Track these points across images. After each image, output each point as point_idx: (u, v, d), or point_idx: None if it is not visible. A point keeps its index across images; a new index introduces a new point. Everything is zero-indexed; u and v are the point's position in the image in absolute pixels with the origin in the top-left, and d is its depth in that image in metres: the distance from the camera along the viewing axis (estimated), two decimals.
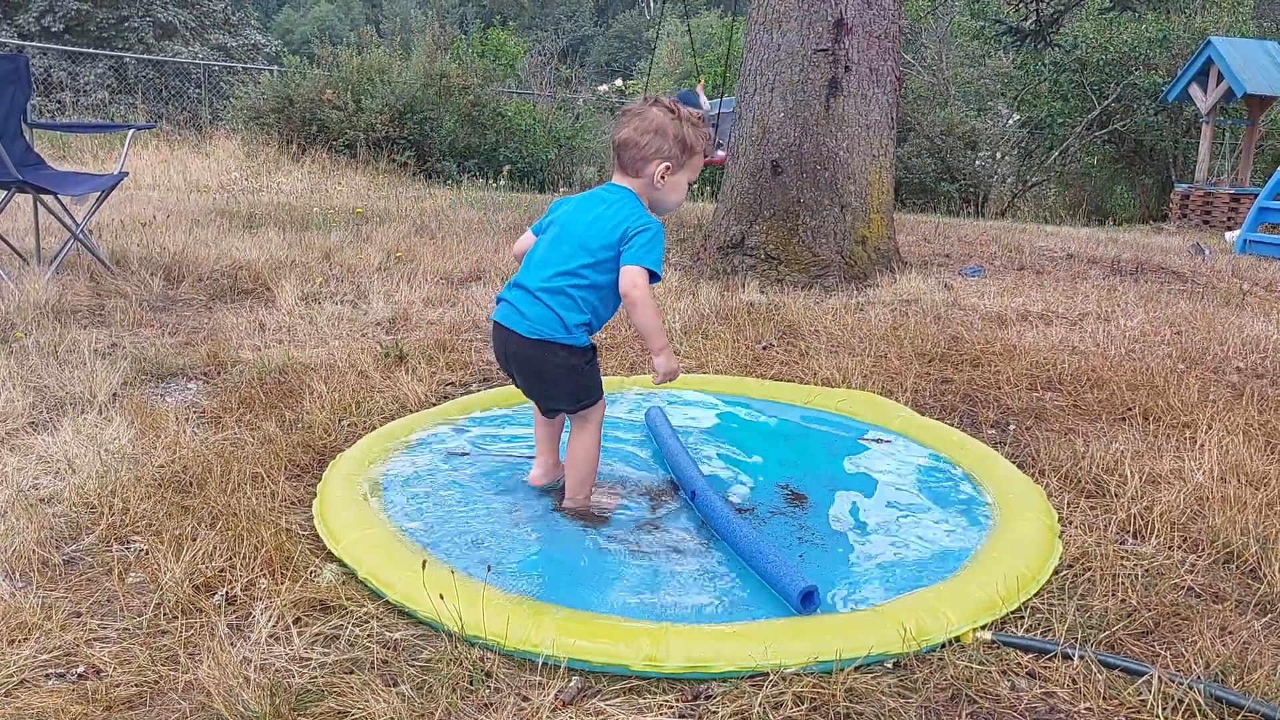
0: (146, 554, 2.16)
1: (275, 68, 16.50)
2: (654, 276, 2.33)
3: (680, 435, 2.92)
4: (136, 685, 1.71)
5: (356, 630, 1.90)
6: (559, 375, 2.40)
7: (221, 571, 2.09)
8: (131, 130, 5.73)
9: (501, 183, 12.96)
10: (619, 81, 22.13)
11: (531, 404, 2.56)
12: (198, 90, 19.51)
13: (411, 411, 3.23)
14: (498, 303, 2.46)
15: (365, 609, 1.97)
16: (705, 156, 2.51)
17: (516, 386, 2.54)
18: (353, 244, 6.62)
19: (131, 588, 2.04)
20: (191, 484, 2.53)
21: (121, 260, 5.55)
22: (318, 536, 2.29)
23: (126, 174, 5.69)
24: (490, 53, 16.88)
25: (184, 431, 2.90)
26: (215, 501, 2.39)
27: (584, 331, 2.39)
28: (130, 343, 4.01)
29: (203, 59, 22.84)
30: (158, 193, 9.74)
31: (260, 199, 9.36)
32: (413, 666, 1.79)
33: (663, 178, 2.41)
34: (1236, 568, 2.26)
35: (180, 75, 21.05)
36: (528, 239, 2.54)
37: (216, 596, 2.00)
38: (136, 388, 3.39)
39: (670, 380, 2.44)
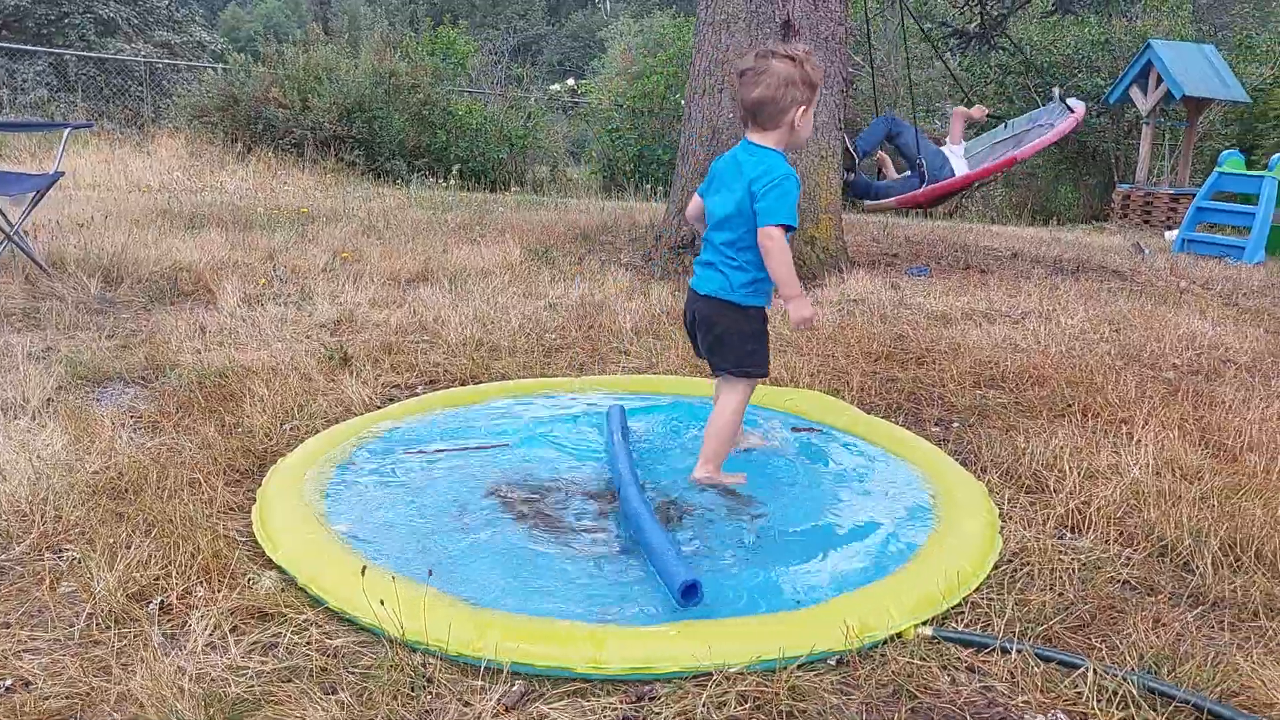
0: (79, 562, 2.11)
1: (220, 66, 16.23)
2: (788, 228, 2.54)
3: (628, 433, 2.92)
4: (67, 697, 1.67)
5: (295, 638, 1.87)
6: (729, 333, 2.67)
7: (157, 580, 2.04)
8: (68, 129, 5.60)
9: (452, 182, 12.87)
10: (571, 81, 22.04)
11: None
12: (140, 88, 19.13)
13: (356, 415, 3.19)
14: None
15: (305, 616, 1.94)
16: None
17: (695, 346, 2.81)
18: (298, 244, 6.53)
19: (63, 597, 2.00)
20: (127, 490, 2.48)
21: (58, 262, 5.42)
22: (257, 543, 2.25)
23: (63, 173, 5.56)
24: (440, 51, 16.73)
25: (120, 437, 2.84)
26: (151, 508, 2.34)
27: (751, 292, 2.64)
28: (65, 346, 3.92)
29: (145, 56, 22.38)
30: (97, 193, 9.53)
31: (203, 199, 9.20)
32: (352, 674, 1.77)
33: (800, 119, 2.59)
34: (1170, 561, 2.31)
35: (122, 73, 20.62)
36: (696, 202, 2.78)
37: (151, 605, 1.96)
38: (71, 392, 3.31)
39: (805, 327, 2.64)
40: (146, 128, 15.05)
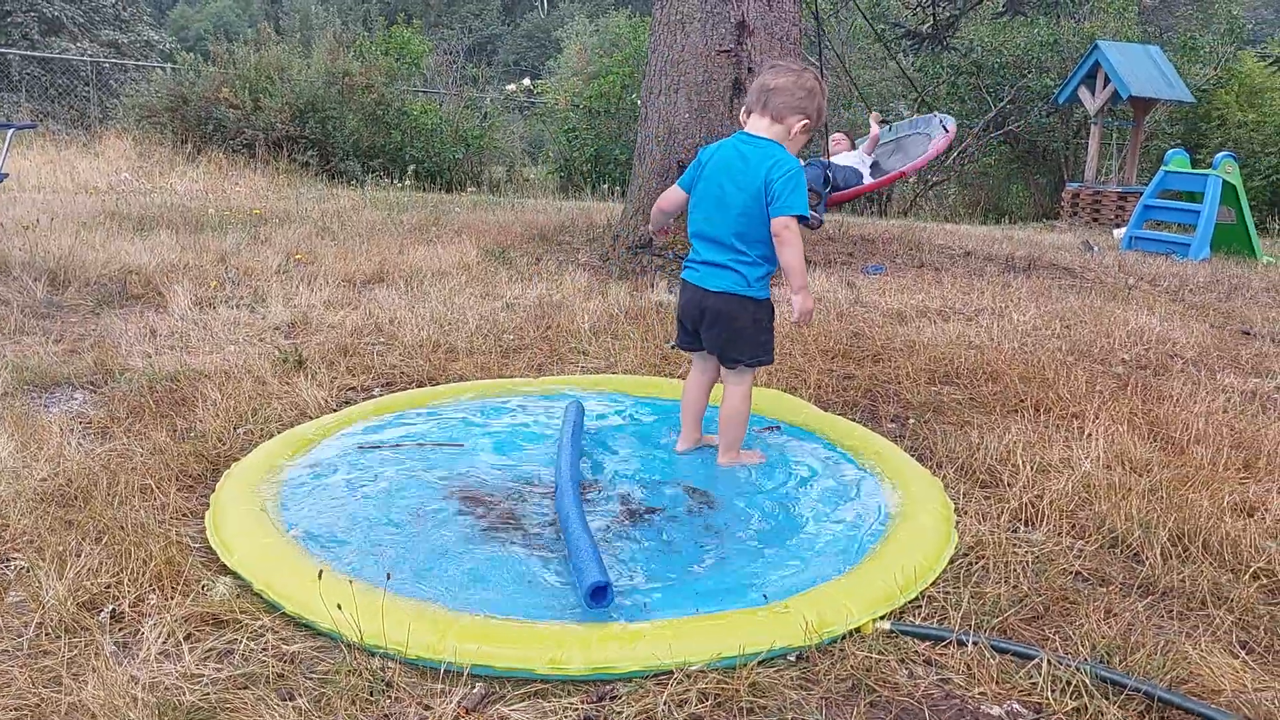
0: (28, 572, 2.06)
1: (169, 65, 15.96)
2: (801, 219, 2.61)
3: (580, 431, 2.92)
4: (15, 710, 1.64)
5: (251, 644, 1.84)
6: (747, 329, 2.73)
7: (108, 588, 2.01)
8: (11, 130, 5.48)
9: (407, 183, 12.77)
10: (527, 81, 21.96)
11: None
12: (86, 88, 18.79)
13: (311, 418, 3.15)
14: (685, 269, 2.81)
15: (261, 622, 1.91)
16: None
17: (696, 340, 2.84)
18: (250, 246, 6.44)
19: (11, 607, 1.95)
20: (76, 497, 2.43)
21: (2, 265, 5.30)
22: (211, 549, 2.22)
23: (6, 175, 5.45)
24: (394, 51, 16.59)
25: (68, 443, 2.78)
26: (101, 515, 2.30)
27: (764, 285, 2.73)
28: (11, 352, 3.83)
29: (91, 56, 21.96)
30: (43, 194, 9.33)
31: (153, 200, 9.05)
32: (310, 679, 1.75)
33: (798, 133, 2.68)
34: (1121, 552, 2.35)
35: (68, 73, 20.26)
36: (677, 195, 2.82)
37: (102, 614, 1.92)
38: (17, 398, 3.24)
39: (806, 320, 2.69)
40: (93, 128, 14.78)
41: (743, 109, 2.76)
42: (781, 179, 2.59)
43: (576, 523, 2.19)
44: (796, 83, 2.65)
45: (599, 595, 1.92)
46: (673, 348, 3.04)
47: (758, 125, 2.70)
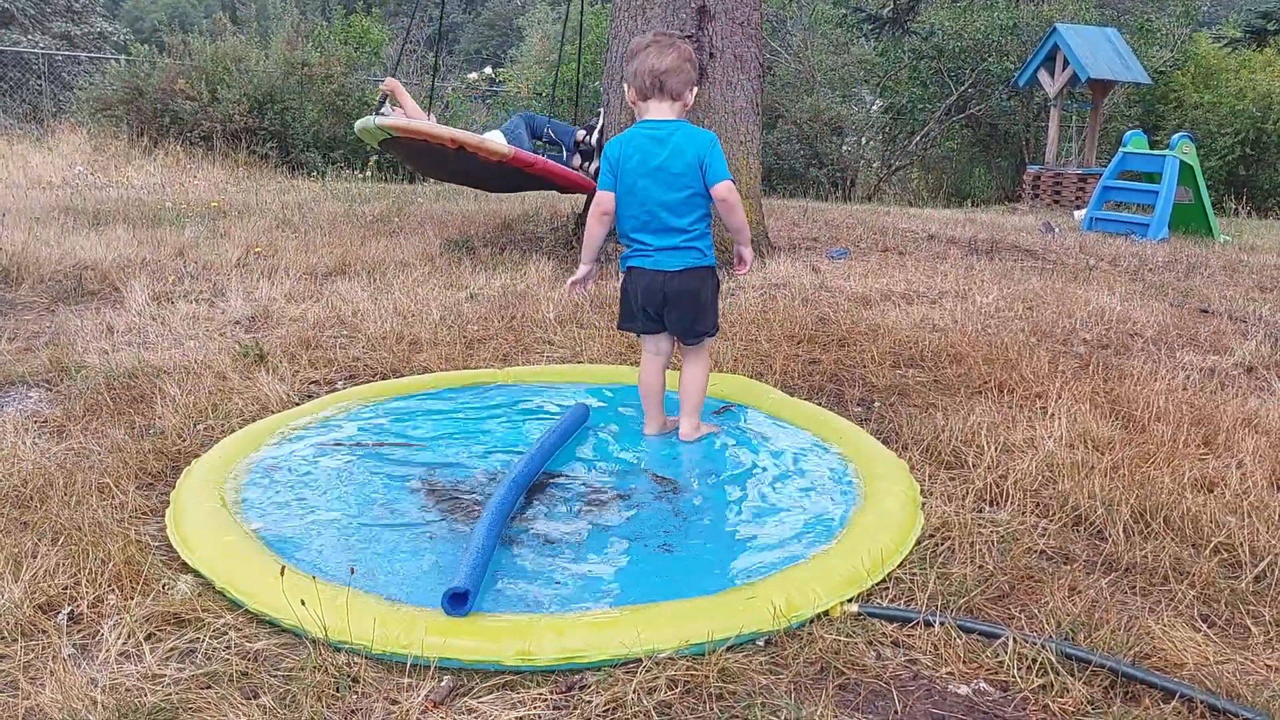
0: None
1: (123, 57, 15.68)
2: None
3: (563, 432, 2.90)
4: None
5: (214, 643, 1.82)
6: (708, 301, 2.85)
7: (65, 589, 1.97)
8: None
9: (368, 174, 12.65)
10: (489, 69, 21.81)
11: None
12: (39, 81, 18.41)
13: (273, 412, 3.11)
14: (632, 257, 2.85)
15: (223, 620, 1.89)
16: None
17: (653, 323, 2.90)
18: (209, 240, 6.35)
19: None
20: (32, 498, 2.38)
21: None
22: (171, 547, 2.18)
23: None
24: (354, 40, 16.41)
25: (23, 443, 2.73)
26: (58, 515, 2.26)
27: (712, 252, 2.85)
28: None
29: (43, 48, 21.52)
30: None
31: (108, 194, 8.89)
32: (275, 677, 1.73)
33: (690, 100, 2.79)
34: (1084, 530, 2.38)
35: (19, 66, 19.83)
36: (608, 197, 2.81)
37: (60, 616, 1.89)
38: None
39: (750, 268, 2.97)
40: (46, 122, 14.49)
41: (632, 96, 2.79)
42: (709, 151, 2.72)
43: (482, 524, 2.13)
44: (680, 57, 2.72)
45: (455, 601, 1.84)
46: (621, 329, 3.02)
47: (660, 110, 2.77)
